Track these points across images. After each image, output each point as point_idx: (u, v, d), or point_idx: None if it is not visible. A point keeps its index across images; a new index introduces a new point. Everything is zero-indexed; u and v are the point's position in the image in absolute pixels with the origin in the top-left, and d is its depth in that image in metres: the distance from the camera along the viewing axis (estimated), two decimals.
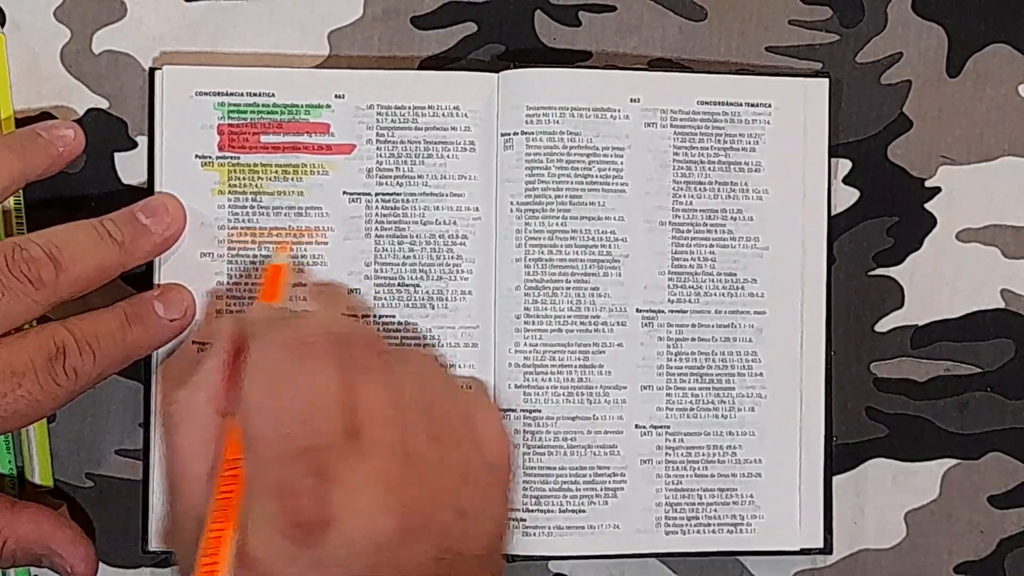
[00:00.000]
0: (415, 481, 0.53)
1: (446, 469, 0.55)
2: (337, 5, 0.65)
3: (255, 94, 0.63)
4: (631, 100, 0.64)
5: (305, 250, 0.63)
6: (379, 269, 0.64)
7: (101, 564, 0.63)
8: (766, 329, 0.64)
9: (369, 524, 0.51)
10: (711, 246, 0.64)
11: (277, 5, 0.65)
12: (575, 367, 0.63)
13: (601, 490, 0.64)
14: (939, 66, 0.67)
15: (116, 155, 0.64)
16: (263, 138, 0.63)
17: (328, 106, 0.64)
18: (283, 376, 0.54)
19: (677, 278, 0.64)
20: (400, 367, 0.56)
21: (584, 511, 0.63)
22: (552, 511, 0.63)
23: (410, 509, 0.52)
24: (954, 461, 0.67)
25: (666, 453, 0.64)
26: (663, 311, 0.64)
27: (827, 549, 0.65)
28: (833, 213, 0.66)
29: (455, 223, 0.64)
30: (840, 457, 0.66)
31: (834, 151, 0.66)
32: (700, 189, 0.64)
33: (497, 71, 0.64)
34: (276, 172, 0.63)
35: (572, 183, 0.63)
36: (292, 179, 0.63)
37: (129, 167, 0.64)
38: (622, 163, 0.64)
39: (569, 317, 0.63)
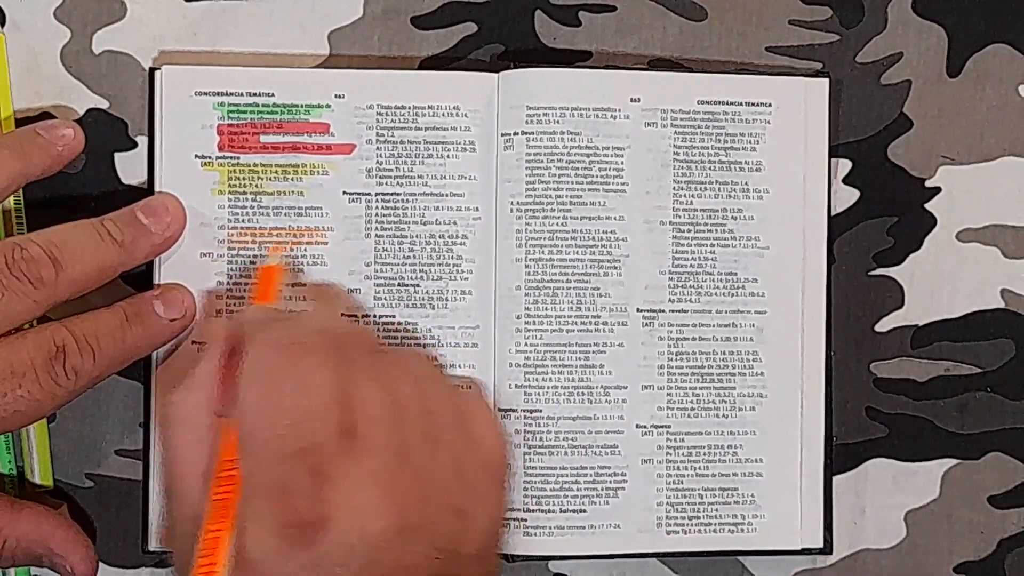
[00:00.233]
0: (411, 480, 0.53)
1: (442, 468, 0.55)
2: (337, 5, 0.65)
3: (255, 94, 0.63)
4: (631, 100, 0.64)
5: (305, 250, 0.63)
6: (379, 269, 0.64)
7: (101, 564, 0.63)
8: (767, 329, 0.64)
9: (365, 524, 0.52)
10: (711, 246, 0.64)
11: (277, 5, 0.65)
12: (576, 367, 0.63)
13: (602, 490, 0.64)
14: (939, 66, 0.67)
15: (116, 155, 0.64)
16: (263, 138, 0.63)
17: (328, 106, 0.64)
18: (278, 376, 0.54)
19: (678, 278, 0.64)
20: (395, 367, 0.56)
21: (585, 511, 0.63)
22: (553, 511, 0.63)
23: (406, 508, 0.52)
24: (954, 461, 0.67)
25: (667, 453, 0.64)
26: (664, 311, 0.64)
27: (827, 549, 0.65)
28: (833, 213, 0.66)
29: (455, 223, 0.64)
30: (840, 457, 0.66)
31: (834, 151, 0.66)
32: (700, 189, 0.64)
33: (497, 71, 0.64)
34: (276, 172, 0.63)
35: (572, 183, 0.63)
36: (292, 179, 0.63)
37: (129, 167, 0.64)
38: (622, 163, 0.64)
39: (570, 317, 0.63)
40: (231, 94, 0.63)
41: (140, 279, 0.63)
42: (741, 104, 0.64)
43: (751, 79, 0.65)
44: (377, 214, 0.64)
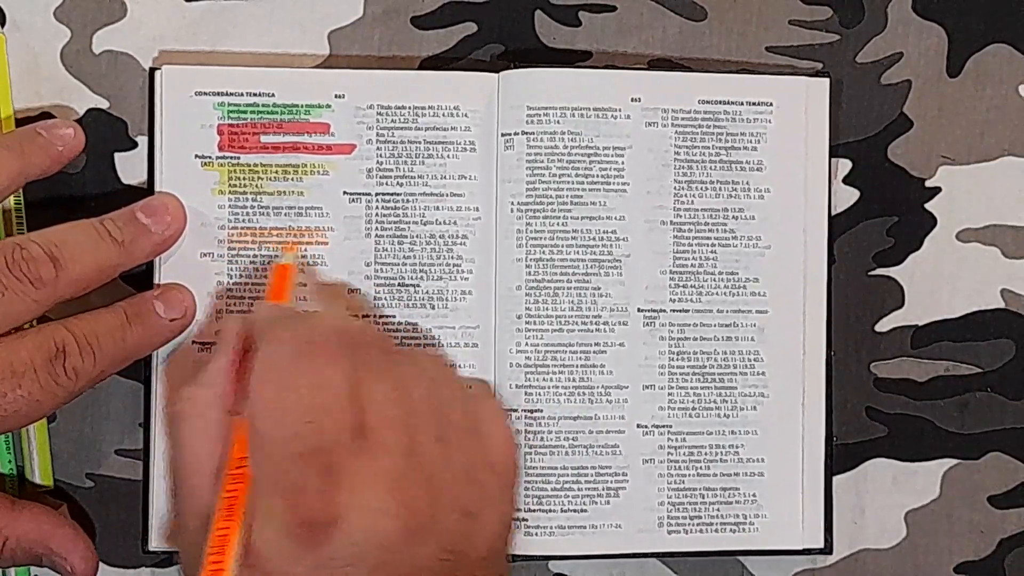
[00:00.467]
0: (421, 482, 0.53)
1: (452, 470, 0.55)
2: (337, 5, 0.65)
3: (255, 94, 0.63)
4: (632, 100, 0.64)
5: (305, 250, 0.63)
6: (379, 269, 0.63)
7: (101, 564, 0.63)
8: (768, 328, 0.64)
9: (375, 524, 0.52)
10: (712, 245, 0.64)
11: (277, 5, 0.65)
12: (576, 367, 0.63)
13: (603, 490, 0.64)
14: (939, 66, 0.67)
15: (116, 155, 0.64)
16: (263, 138, 0.63)
17: (328, 106, 0.64)
18: (291, 375, 0.54)
19: (678, 277, 0.64)
20: (408, 367, 0.56)
21: (586, 511, 0.63)
22: (554, 511, 0.63)
23: (416, 510, 0.52)
24: (954, 461, 0.67)
25: (668, 453, 0.64)
26: (664, 310, 0.64)
27: (827, 549, 0.65)
28: (833, 213, 0.66)
29: (455, 223, 0.64)
30: (840, 457, 0.66)
31: (834, 151, 0.66)
32: (701, 188, 0.64)
33: (497, 71, 0.64)
34: (276, 172, 0.63)
35: (573, 183, 0.63)
36: (292, 179, 0.63)
37: (129, 167, 0.64)
38: (623, 163, 0.64)
39: (570, 317, 0.63)
40: (231, 94, 0.63)
41: (140, 279, 0.62)
42: (742, 104, 0.64)
43: (752, 79, 0.65)
44: (377, 214, 0.63)
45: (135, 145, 0.64)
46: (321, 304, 0.63)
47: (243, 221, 0.63)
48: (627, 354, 0.64)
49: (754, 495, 0.64)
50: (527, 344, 0.63)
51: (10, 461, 0.63)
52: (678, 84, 0.64)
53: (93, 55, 0.64)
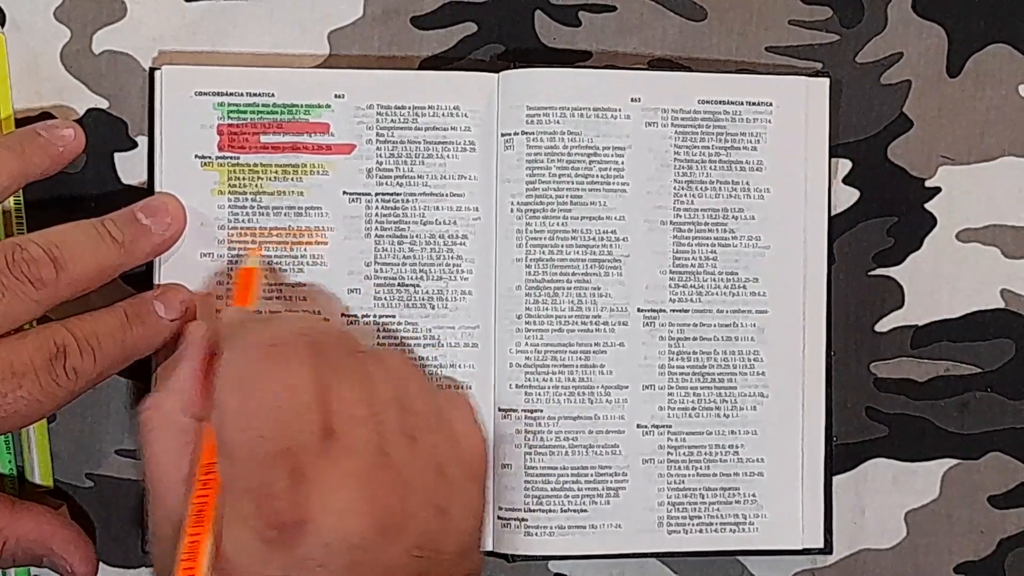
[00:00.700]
0: (391, 480, 0.53)
1: (422, 467, 0.55)
2: (337, 5, 0.65)
3: (255, 94, 0.63)
4: (631, 100, 0.64)
5: (305, 250, 0.63)
6: (379, 269, 0.63)
7: (101, 564, 0.63)
8: (768, 328, 0.64)
9: (345, 524, 0.52)
10: (712, 245, 0.64)
11: (277, 5, 0.65)
12: (576, 367, 0.63)
13: (603, 490, 0.64)
14: (939, 66, 0.67)
15: (116, 155, 0.64)
16: (263, 138, 0.63)
17: (328, 106, 0.64)
18: (256, 378, 0.54)
19: (678, 277, 0.64)
20: (373, 366, 0.56)
21: (586, 511, 0.63)
22: (554, 511, 0.63)
23: (386, 508, 0.53)
24: (954, 461, 0.67)
25: (668, 452, 0.64)
26: (664, 310, 0.64)
27: (827, 549, 0.65)
28: (833, 213, 0.66)
29: (455, 223, 0.64)
30: (840, 457, 0.66)
31: (834, 151, 0.66)
32: (701, 188, 0.64)
33: (497, 71, 0.64)
34: (276, 172, 0.63)
35: (573, 183, 0.63)
36: (292, 179, 0.63)
37: (129, 167, 0.64)
38: (623, 163, 0.64)
39: (570, 317, 0.63)
40: (231, 94, 0.63)
41: (140, 279, 0.62)
42: (742, 104, 0.64)
43: (752, 78, 0.65)
44: (377, 214, 0.63)
45: (135, 145, 0.64)
46: (319, 308, 0.63)
47: (243, 221, 0.63)
48: (627, 354, 0.64)
49: (754, 495, 0.64)
50: (527, 344, 0.63)
51: (10, 461, 0.63)
52: (678, 84, 0.64)
53: (93, 55, 0.64)
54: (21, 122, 0.63)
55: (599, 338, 0.64)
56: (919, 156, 0.67)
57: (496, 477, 0.63)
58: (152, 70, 0.63)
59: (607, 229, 0.64)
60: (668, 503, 0.64)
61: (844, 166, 0.66)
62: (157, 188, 0.63)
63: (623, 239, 0.64)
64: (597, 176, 0.64)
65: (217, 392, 0.54)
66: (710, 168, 0.64)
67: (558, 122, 0.63)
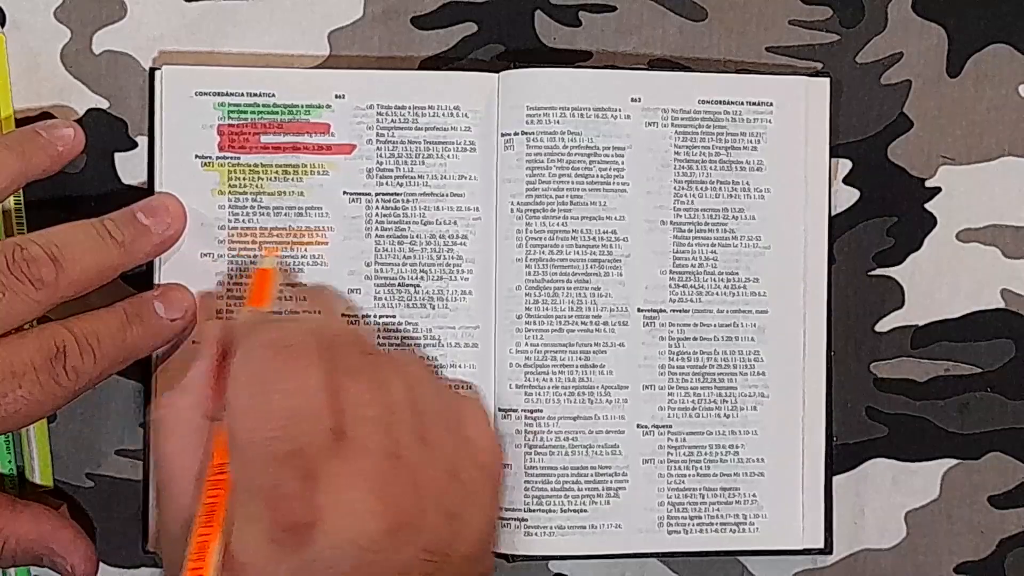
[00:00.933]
0: (402, 482, 0.53)
1: (433, 470, 0.55)
2: (337, 5, 0.65)
3: (255, 94, 0.63)
4: (631, 100, 0.64)
5: (305, 250, 0.63)
6: (379, 269, 0.63)
7: (101, 564, 0.63)
8: (768, 328, 0.64)
9: (355, 526, 0.52)
10: (712, 245, 0.64)
11: (277, 5, 0.65)
12: (576, 367, 0.63)
13: (603, 490, 0.64)
14: (939, 66, 0.67)
15: (116, 155, 0.64)
16: (263, 138, 0.63)
17: (328, 106, 0.64)
18: (268, 378, 0.54)
19: (679, 277, 0.64)
20: (387, 368, 0.56)
21: (586, 511, 0.63)
22: (554, 511, 0.63)
23: (397, 510, 0.53)
24: (954, 461, 0.67)
25: (668, 453, 0.64)
26: (664, 311, 0.64)
27: (827, 549, 0.65)
28: (833, 213, 0.66)
29: (455, 223, 0.64)
30: (840, 457, 0.66)
31: (834, 151, 0.66)
32: (701, 188, 0.64)
33: (497, 71, 0.64)
34: (276, 172, 0.63)
35: (573, 183, 0.63)
36: (292, 179, 0.63)
37: (129, 167, 0.64)
38: (623, 163, 0.64)
39: (570, 317, 0.63)
40: (231, 94, 0.63)
41: (140, 279, 0.62)
42: (742, 104, 0.64)
43: (752, 78, 0.65)
44: (377, 214, 0.63)
45: (135, 145, 0.64)
46: (317, 306, 0.63)
47: (243, 221, 0.63)
48: (627, 354, 0.64)
49: (754, 495, 0.64)
50: (527, 344, 0.63)
51: (10, 461, 0.63)
52: (678, 84, 0.64)
53: (93, 55, 0.64)
54: (21, 122, 0.63)
55: (599, 338, 0.64)
56: (919, 156, 0.67)
57: None
58: (152, 70, 0.63)
59: (607, 229, 0.63)
60: (668, 503, 0.64)
61: (844, 166, 0.66)
62: (157, 188, 0.63)
63: (623, 239, 0.64)
64: (597, 176, 0.64)
65: (229, 392, 0.54)
66: (710, 168, 0.64)
67: (558, 122, 0.63)
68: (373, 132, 0.64)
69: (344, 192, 0.63)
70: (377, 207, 0.63)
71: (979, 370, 0.67)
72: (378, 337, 0.63)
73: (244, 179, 0.63)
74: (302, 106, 0.63)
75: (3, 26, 0.64)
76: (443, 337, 0.64)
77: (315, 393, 0.53)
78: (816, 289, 0.65)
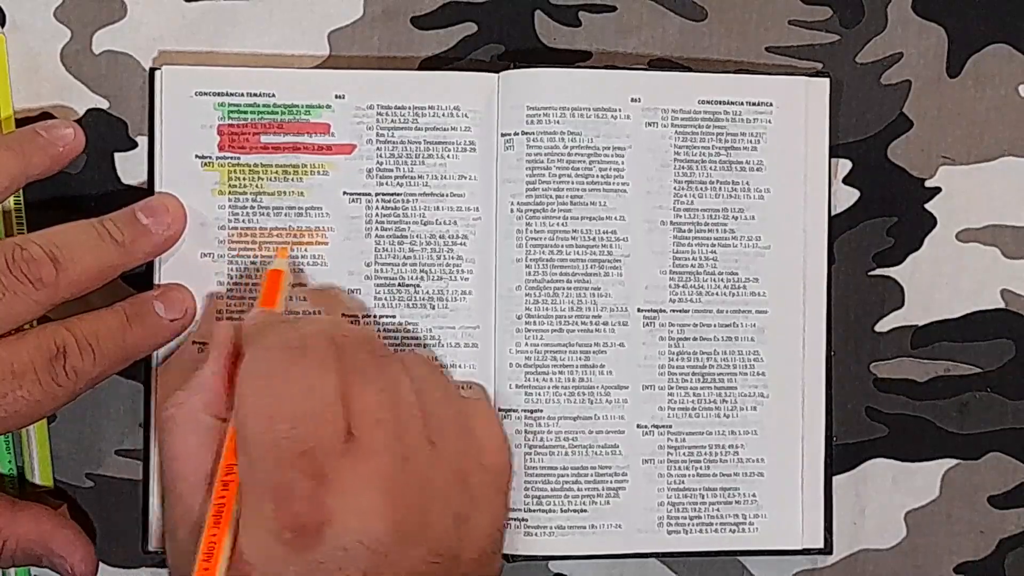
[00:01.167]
0: (411, 484, 0.53)
1: (443, 473, 0.55)
2: (337, 5, 0.65)
3: (255, 94, 0.63)
4: (631, 100, 0.64)
5: (305, 250, 0.63)
6: (379, 269, 0.63)
7: (101, 564, 0.63)
8: (768, 328, 0.64)
9: (364, 527, 0.52)
10: (712, 245, 0.64)
11: (277, 5, 0.65)
12: (576, 367, 0.63)
13: (603, 490, 0.64)
14: (939, 66, 0.67)
15: (116, 155, 0.64)
16: (263, 138, 0.63)
17: (328, 106, 0.63)
18: (279, 380, 0.54)
19: (678, 278, 0.64)
20: (397, 370, 0.56)
21: (586, 511, 0.63)
22: (553, 511, 0.63)
23: (405, 512, 0.53)
24: (954, 461, 0.67)
25: (668, 453, 0.64)
26: (664, 311, 0.64)
27: (827, 549, 0.65)
28: (833, 213, 0.66)
29: (455, 223, 0.64)
30: (840, 457, 0.66)
31: (834, 151, 0.66)
32: (701, 188, 0.64)
33: (497, 71, 0.64)
34: (276, 172, 0.63)
35: (573, 183, 0.63)
36: (292, 179, 0.63)
37: (129, 167, 0.64)
38: (623, 163, 0.64)
39: (570, 317, 0.63)
40: (231, 94, 0.63)
41: (140, 279, 0.62)
42: (742, 104, 0.64)
43: (752, 79, 0.65)
44: (377, 214, 0.63)
45: (135, 145, 0.64)
46: (319, 306, 0.63)
47: (243, 221, 0.63)
48: (627, 354, 0.64)
49: (754, 495, 0.64)
50: (527, 344, 0.63)
51: (10, 461, 0.63)
52: (678, 84, 0.64)
53: (93, 55, 0.64)
54: (21, 122, 0.63)
55: (599, 338, 0.64)
56: (919, 156, 0.67)
57: None
58: (152, 70, 0.63)
59: (607, 229, 0.63)
60: (668, 503, 0.64)
61: (844, 166, 0.66)
62: (157, 188, 0.63)
63: (623, 239, 0.64)
64: (597, 176, 0.64)
65: (239, 392, 0.54)
66: (710, 168, 0.64)
67: (558, 122, 0.63)
68: (373, 132, 0.64)
69: (344, 192, 0.63)
70: (377, 207, 0.63)
71: (979, 370, 0.67)
72: (378, 337, 0.63)
73: (244, 179, 0.63)
74: (302, 106, 0.63)
75: (3, 26, 0.64)
76: (443, 337, 0.64)
77: (325, 394, 0.53)
78: (816, 289, 0.65)
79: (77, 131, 0.61)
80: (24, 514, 0.60)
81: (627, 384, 0.64)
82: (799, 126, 0.65)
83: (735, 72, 0.66)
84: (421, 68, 0.65)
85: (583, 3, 0.66)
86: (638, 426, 0.64)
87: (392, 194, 0.64)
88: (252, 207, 0.63)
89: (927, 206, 0.67)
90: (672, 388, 0.64)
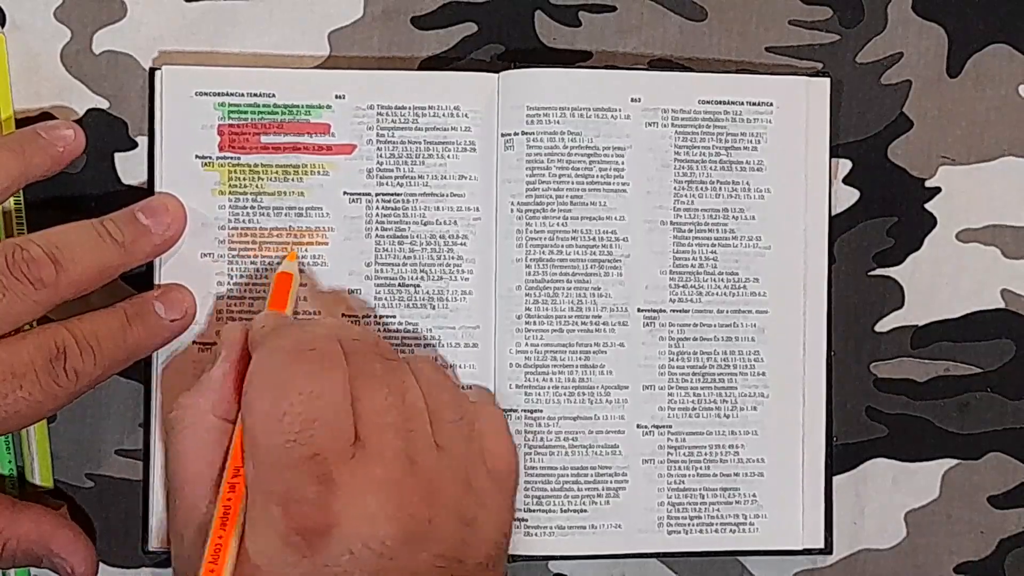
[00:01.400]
0: (418, 488, 0.53)
1: (449, 477, 0.55)
2: (337, 5, 0.65)
3: (255, 94, 0.63)
4: (631, 100, 0.64)
5: (305, 251, 0.63)
6: (379, 269, 0.63)
7: (101, 564, 0.63)
8: (768, 328, 0.64)
9: (371, 531, 0.52)
10: (712, 245, 0.64)
11: (277, 5, 0.65)
12: (576, 367, 0.63)
13: (603, 490, 0.64)
14: (939, 66, 0.67)
15: (116, 155, 0.64)
16: (263, 138, 0.63)
17: (328, 106, 0.63)
18: (286, 382, 0.54)
19: (679, 278, 0.64)
20: (405, 374, 0.56)
21: (586, 511, 0.63)
22: (554, 511, 0.63)
23: (412, 516, 0.53)
24: (954, 461, 0.67)
25: (668, 453, 0.64)
26: (664, 311, 0.64)
27: (827, 549, 0.65)
28: (833, 213, 0.66)
29: (455, 223, 0.64)
30: (840, 457, 0.66)
31: (834, 151, 0.66)
32: (701, 188, 0.64)
33: (497, 71, 0.64)
34: (276, 172, 0.63)
35: (573, 183, 0.63)
36: (292, 179, 0.63)
37: (129, 167, 0.64)
38: (623, 163, 0.64)
39: (570, 317, 0.63)
40: (231, 94, 0.63)
41: (140, 279, 0.62)
42: (742, 104, 0.64)
43: (752, 78, 0.65)
44: (377, 214, 0.63)
45: (135, 145, 0.64)
46: (319, 306, 0.63)
47: (243, 222, 0.63)
48: (627, 354, 0.64)
49: (754, 495, 0.64)
50: (527, 344, 0.63)
51: (10, 462, 0.63)
52: (678, 84, 0.64)
53: (93, 55, 0.64)
54: (21, 122, 0.63)
55: (599, 338, 0.64)
56: (919, 156, 0.67)
57: None
58: (152, 70, 0.63)
59: (607, 229, 0.64)
60: (668, 503, 0.64)
61: (844, 166, 0.66)
62: (157, 188, 0.63)
63: (623, 239, 0.64)
64: (597, 176, 0.64)
65: (247, 394, 0.54)
66: (710, 168, 0.64)
67: (558, 122, 0.63)
68: (373, 132, 0.64)
69: (344, 192, 0.63)
70: (377, 207, 0.63)
71: (979, 370, 0.67)
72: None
73: (244, 179, 0.63)
74: (302, 106, 0.63)
75: (3, 26, 0.64)
76: (443, 337, 0.64)
77: (333, 398, 0.53)
78: (816, 289, 0.65)
79: (77, 132, 0.61)
80: (24, 515, 0.60)
81: (627, 384, 0.64)
82: (799, 126, 0.65)
83: (735, 72, 0.66)
84: (421, 68, 0.65)
85: (583, 3, 0.66)
86: (638, 426, 0.64)
87: (392, 194, 0.64)
88: (252, 207, 0.63)
89: (927, 206, 0.67)
90: (672, 388, 0.64)
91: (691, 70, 0.65)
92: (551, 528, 0.63)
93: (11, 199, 0.62)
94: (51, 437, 0.64)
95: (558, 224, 0.63)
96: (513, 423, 0.63)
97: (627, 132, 0.64)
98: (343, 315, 0.63)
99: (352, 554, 0.51)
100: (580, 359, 0.63)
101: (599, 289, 0.63)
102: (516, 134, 0.63)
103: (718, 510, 0.64)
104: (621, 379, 0.64)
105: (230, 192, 0.63)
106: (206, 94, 0.63)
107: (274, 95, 0.63)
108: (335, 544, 0.51)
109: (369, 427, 0.53)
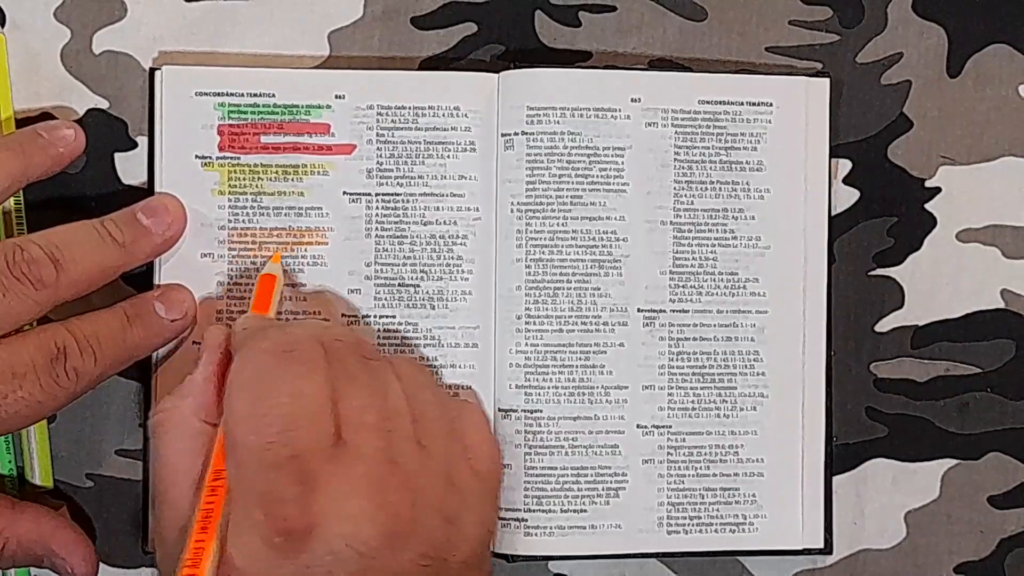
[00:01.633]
0: (400, 488, 0.53)
1: (431, 476, 0.55)
2: (337, 5, 0.65)
3: (255, 94, 0.63)
4: (631, 100, 0.64)
5: (305, 251, 0.63)
6: (379, 269, 0.63)
7: (101, 564, 0.63)
8: (768, 328, 0.64)
9: (353, 531, 0.52)
10: (712, 246, 0.64)
11: (277, 5, 0.65)
12: (576, 367, 0.63)
13: (603, 490, 0.64)
14: (939, 66, 0.67)
15: (116, 155, 0.64)
16: (263, 138, 0.63)
17: (328, 106, 0.64)
18: (267, 383, 0.54)
19: (678, 278, 0.64)
20: (386, 374, 0.56)
21: (586, 511, 0.63)
22: (553, 511, 0.63)
23: (395, 516, 0.52)
24: (954, 461, 0.67)
25: (668, 453, 0.64)
26: (664, 311, 0.64)
27: (827, 549, 0.65)
28: (833, 213, 0.66)
29: (455, 223, 0.64)
30: (840, 457, 0.66)
31: (834, 151, 0.66)
32: (701, 188, 0.64)
33: (497, 71, 0.64)
34: (276, 172, 0.63)
35: (573, 183, 0.63)
36: (292, 179, 0.63)
37: (129, 167, 0.64)
38: (623, 163, 0.64)
39: (570, 317, 0.63)
40: (231, 94, 0.63)
41: (140, 279, 0.62)
42: (742, 104, 0.64)
43: (752, 79, 0.65)
44: (377, 214, 0.63)
45: (135, 145, 0.64)
46: (317, 307, 0.63)
47: (243, 222, 0.63)
48: (627, 354, 0.64)
49: (754, 495, 0.64)
50: (527, 344, 0.63)
51: (10, 462, 0.63)
52: (678, 84, 0.64)
53: (93, 55, 0.64)
54: (21, 122, 0.63)
55: (599, 338, 0.64)
56: (919, 156, 0.67)
57: None
58: (152, 70, 0.63)
59: (607, 229, 0.64)
60: (668, 503, 0.64)
61: (844, 166, 0.66)
62: (157, 188, 0.63)
63: (623, 239, 0.64)
64: (597, 176, 0.64)
65: (228, 396, 0.54)
66: (710, 168, 0.64)
67: (558, 122, 0.63)
68: (373, 132, 0.64)
69: (344, 192, 0.63)
70: (377, 207, 0.63)
71: (979, 370, 0.67)
72: (378, 338, 0.63)
73: (244, 179, 0.63)
74: (302, 106, 0.63)
75: (3, 26, 0.64)
76: (443, 337, 0.64)
77: (314, 399, 0.53)
78: (816, 289, 0.65)
79: (78, 132, 0.61)
80: (24, 515, 0.60)
81: (627, 384, 0.64)
82: (799, 126, 0.65)
83: (735, 72, 0.66)
84: (421, 68, 0.65)
85: (583, 3, 0.66)
86: (638, 426, 0.64)
87: (392, 194, 0.64)
88: (252, 207, 0.63)
89: (927, 206, 0.67)
90: (672, 388, 0.64)
91: (691, 70, 0.66)
92: (551, 528, 0.63)
93: (11, 199, 0.62)
94: (51, 437, 0.64)
95: (558, 224, 0.63)
96: (513, 423, 0.63)
97: (627, 132, 0.64)
98: (343, 315, 0.63)
99: (335, 555, 0.51)
100: (580, 359, 0.63)
101: (599, 289, 0.63)
102: (516, 134, 0.63)
103: (718, 510, 0.64)
104: (621, 379, 0.64)
105: (230, 192, 0.63)
106: (206, 94, 0.63)
107: (274, 95, 0.63)
108: (317, 545, 0.51)
109: (350, 427, 0.53)
